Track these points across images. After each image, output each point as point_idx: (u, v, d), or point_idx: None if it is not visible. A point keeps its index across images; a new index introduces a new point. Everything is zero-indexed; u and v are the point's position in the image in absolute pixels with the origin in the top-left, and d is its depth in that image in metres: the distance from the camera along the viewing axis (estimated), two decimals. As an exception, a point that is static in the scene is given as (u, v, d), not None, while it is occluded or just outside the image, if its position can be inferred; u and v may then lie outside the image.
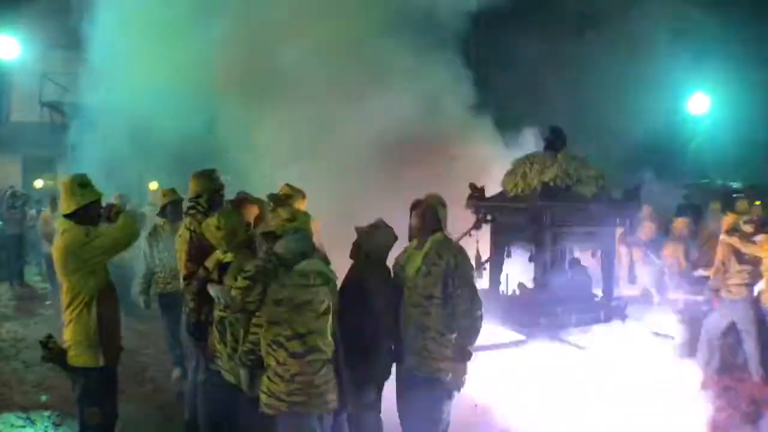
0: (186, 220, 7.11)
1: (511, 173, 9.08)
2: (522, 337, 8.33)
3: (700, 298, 10.32)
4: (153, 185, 20.48)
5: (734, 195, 19.52)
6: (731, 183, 22.07)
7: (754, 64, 21.53)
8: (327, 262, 5.64)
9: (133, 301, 11.31)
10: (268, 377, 5.27)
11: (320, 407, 5.26)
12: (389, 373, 6.27)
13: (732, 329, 9.62)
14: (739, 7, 21.07)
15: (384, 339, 6.10)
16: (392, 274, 6.34)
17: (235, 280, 5.94)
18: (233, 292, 5.12)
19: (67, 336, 5.92)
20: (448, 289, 5.95)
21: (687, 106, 24.52)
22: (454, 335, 5.99)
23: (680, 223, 12.96)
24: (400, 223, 6.42)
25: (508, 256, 9.03)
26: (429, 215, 6.18)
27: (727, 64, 21.16)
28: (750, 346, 9.44)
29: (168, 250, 9.13)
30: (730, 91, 21.98)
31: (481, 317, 5.97)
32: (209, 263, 6.40)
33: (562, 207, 8.31)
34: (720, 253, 10.02)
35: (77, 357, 5.89)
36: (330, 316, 5.35)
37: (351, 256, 6.30)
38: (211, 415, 6.43)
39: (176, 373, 9.35)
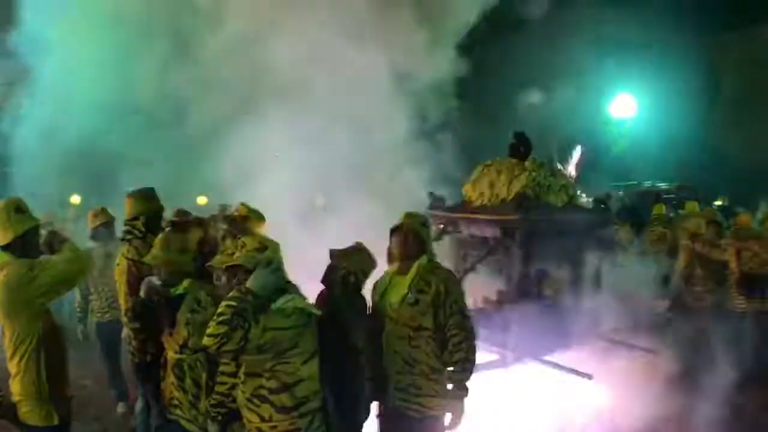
0: (123, 248, 6.21)
1: (475, 182, 8.17)
2: (495, 356, 7.46)
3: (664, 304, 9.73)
4: (75, 199, 19.07)
5: (665, 196, 19.28)
6: (659, 184, 21.83)
7: (676, 69, 21.37)
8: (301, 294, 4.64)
9: (64, 325, 10.13)
10: None
11: None
12: (369, 413, 5.36)
13: (701, 337, 8.95)
14: (663, 13, 20.79)
15: (364, 376, 5.17)
16: (370, 303, 5.45)
17: (191, 313, 5.02)
18: (205, 341, 4.06)
19: (15, 389, 4.89)
20: (438, 318, 5.10)
21: (610, 108, 24.14)
22: (446, 370, 5.17)
23: (625, 230, 12.46)
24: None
25: (473, 270, 8.14)
26: (411, 238, 5.29)
27: (649, 69, 20.91)
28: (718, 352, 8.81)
29: (102, 276, 8.10)
30: (653, 95, 21.75)
31: (475, 348, 5.15)
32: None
33: (536, 218, 7.45)
34: (684, 259, 9.46)
35: (29, 413, 4.88)
36: (317, 359, 4.39)
37: (323, 282, 5.33)
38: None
39: (121, 408, 8.39)
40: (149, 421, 6.17)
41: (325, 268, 5.34)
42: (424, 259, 5.25)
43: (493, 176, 7.94)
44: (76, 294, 8.30)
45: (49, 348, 4.87)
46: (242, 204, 6.42)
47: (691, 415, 7.28)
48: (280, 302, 4.26)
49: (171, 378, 5.28)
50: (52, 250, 5.05)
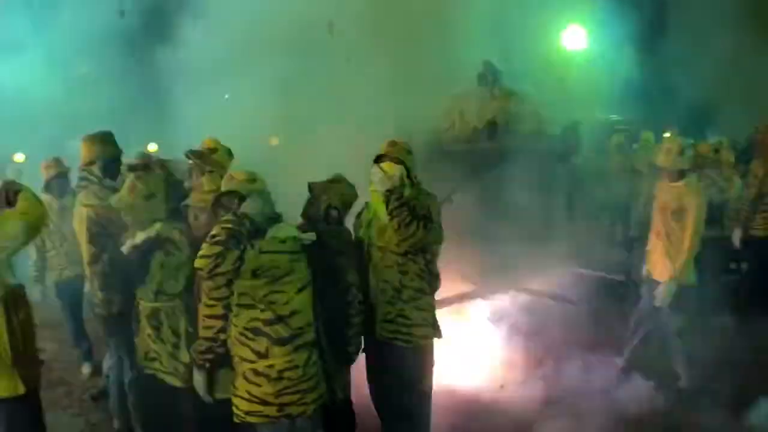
0: (79, 195, 5.88)
1: (444, 112, 7.96)
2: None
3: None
4: (18, 157, 18.18)
5: (617, 128, 19.26)
6: (610, 116, 21.82)
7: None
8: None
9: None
10: (246, 378, 4.08)
11: (314, 403, 4.21)
12: (360, 347, 5.19)
13: None
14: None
15: (354, 310, 4.96)
16: (354, 235, 5.29)
17: (166, 256, 4.91)
18: (198, 263, 3.88)
19: None
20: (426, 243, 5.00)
21: (561, 41, 23.75)
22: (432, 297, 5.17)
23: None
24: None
25: (450, 202, 7.95)
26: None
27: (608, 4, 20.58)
28: None
29: (59, 231, 7.73)
30: (604, 27, 21.50)
31: None
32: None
33: (507, 146, 7.30)
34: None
35: None
36: (310, 290, 4.23)
37: (303, 216, 5.10)
38: (152, 423, 5.25)
39: (86, 369, 8.05)
40: (122, 377, 5.90)
41: (305, 202, 5.11)
42: (409, 188, 5.02)
43: (463, 105, 7.78)
44: (30, 252, 7.92)
45: (11, 310, 4.38)
46: (209, 138, 6.09)
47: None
48: (274, 230, 4.13)
49: (146, 330, 5.06)
50: (8, 202, 4.65)
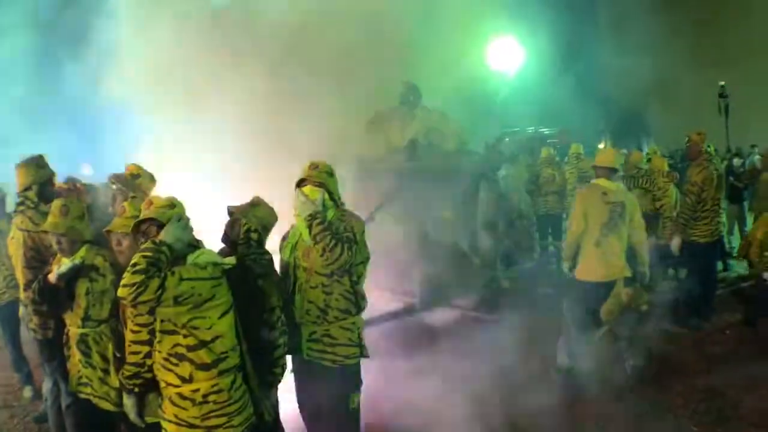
0: (17, 219, 5.96)
1: (368, 134, 8.11)
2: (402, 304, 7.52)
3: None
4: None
5: (549, 141, 19.54)
6: (542, 129, 22.12)
7: (562, 15, 21.41)
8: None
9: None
10: (172, 401, 4.11)
11: (241, 426, 4.22)
12: (285, 369, 5.14)
13: None
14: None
15: (278, 332, 4.94)
16: (280, 257, 5.34)
17: (90, 282, 4.95)
18: (120, 292, 3.86)
19: None
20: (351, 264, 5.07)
21: (488, 57, 23.78)
22: (359, 317, 5.24)
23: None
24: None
25: (372, 220, 8.11)
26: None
27: (535, 16, 20.75)
28: None
29: None
30: (536, 42, 21.64)
31: None
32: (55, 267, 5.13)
33: (429, 164, 7.47)
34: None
35: None
36: (233, 314, 4.27)
37: (224, 240, 5.12)
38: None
39: (27, 392, 8.01)
40: (59, 401, 5.95)
41: (225, 225, 5.15)
42: (332, 210, 5.15)
43: (384, 125, 7.94)
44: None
45: None
46: (133, 164, 6.18)
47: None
48: (193, 256, 4.14)
49: (77, 355, 5.08)
50: None
